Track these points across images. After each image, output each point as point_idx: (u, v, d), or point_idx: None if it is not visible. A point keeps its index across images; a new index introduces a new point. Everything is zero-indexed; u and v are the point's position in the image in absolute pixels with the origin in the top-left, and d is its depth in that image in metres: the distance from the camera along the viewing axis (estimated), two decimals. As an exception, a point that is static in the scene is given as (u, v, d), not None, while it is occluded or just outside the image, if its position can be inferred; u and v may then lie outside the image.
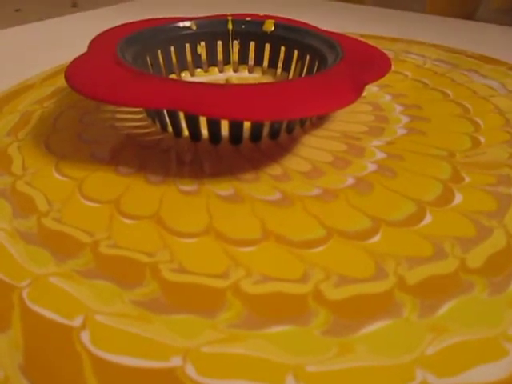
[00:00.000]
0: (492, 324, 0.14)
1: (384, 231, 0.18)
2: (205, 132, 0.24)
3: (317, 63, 0.28)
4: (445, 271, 0.16)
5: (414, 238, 0.17)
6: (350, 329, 0.14)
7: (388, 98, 0.30)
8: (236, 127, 0.23)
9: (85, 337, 0.13)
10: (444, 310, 0.14)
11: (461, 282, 0.15)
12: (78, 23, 0.50)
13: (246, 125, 0.24)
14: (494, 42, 0.43)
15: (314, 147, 0.24)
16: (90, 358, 0.13)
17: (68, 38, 0.44)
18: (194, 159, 0.23)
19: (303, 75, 0.30)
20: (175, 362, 0.13)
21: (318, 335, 0.13)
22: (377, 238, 0.17)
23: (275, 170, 0.22)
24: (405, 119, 0.27)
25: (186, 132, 0.24)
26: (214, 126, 0.23)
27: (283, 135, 0.25)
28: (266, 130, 0.25)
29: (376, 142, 0.24)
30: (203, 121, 0.23)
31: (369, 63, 0.24)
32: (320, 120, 0.27)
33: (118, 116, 0.27)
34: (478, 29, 0.48)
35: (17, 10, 0.56)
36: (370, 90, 0.31)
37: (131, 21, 0.31)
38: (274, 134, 0.24)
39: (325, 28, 0.30)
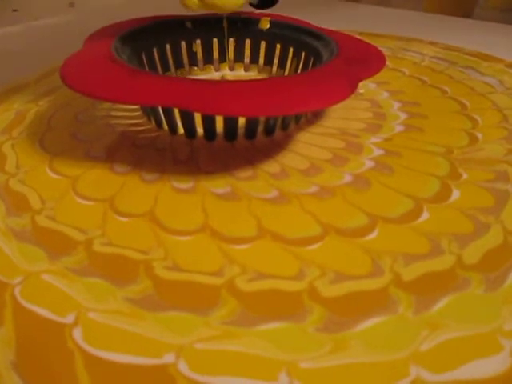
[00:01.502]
0: (488, 320, 0.14)
1: (381, 228, 0.18)
2: (200, 130, 0.24)
3: (312, 60, 0.28)
4: (441, 267, 0.16)
5: (411, 234, 0.17)
6: (344, 325, 0.13)
7: (386, 94, 0.30)
8: (231, 123, 0.23)
9: (77, 334, 0.13)
10: (440, 306, 0.14)
11: (457, 278, 0.15)
12: (75, 23, 0.50)
13: (241, 121, 0.24)
14: (491, 40, 0.43)
15: (312, 144, 0.24)
16: (82, 355, 0.12)
17: (65, 38, 0.44)
18: (190, 157, 0.22)
19: (298, 72, 0.30)
20: (168, 358, 0.12)
21: (312, 332, 0.13)
22: (374, 235, 0.17)
23: (272, 167, 0.22)
24: (402, 116, 0.27)
25: (181, 129, 0.24)
26: (208, 122, 0.23)
27: (278, 132, 0.25)
28: (260, 127, 0.25)
29: (374, 139, 0.24)
30: (198, 118, 0.23)
31: (363, 60, 0.24)
32: (316, 117, 0.27)
33: (114, 114, 0.27)
34: (476, 27, 0.48)
35: (14, 10, 0.56)
36: (368, 86, 0.31)
37: (127, 19, 0.31)
38: (269, 130, 0.24)
39: (323, 26, 0.30)
